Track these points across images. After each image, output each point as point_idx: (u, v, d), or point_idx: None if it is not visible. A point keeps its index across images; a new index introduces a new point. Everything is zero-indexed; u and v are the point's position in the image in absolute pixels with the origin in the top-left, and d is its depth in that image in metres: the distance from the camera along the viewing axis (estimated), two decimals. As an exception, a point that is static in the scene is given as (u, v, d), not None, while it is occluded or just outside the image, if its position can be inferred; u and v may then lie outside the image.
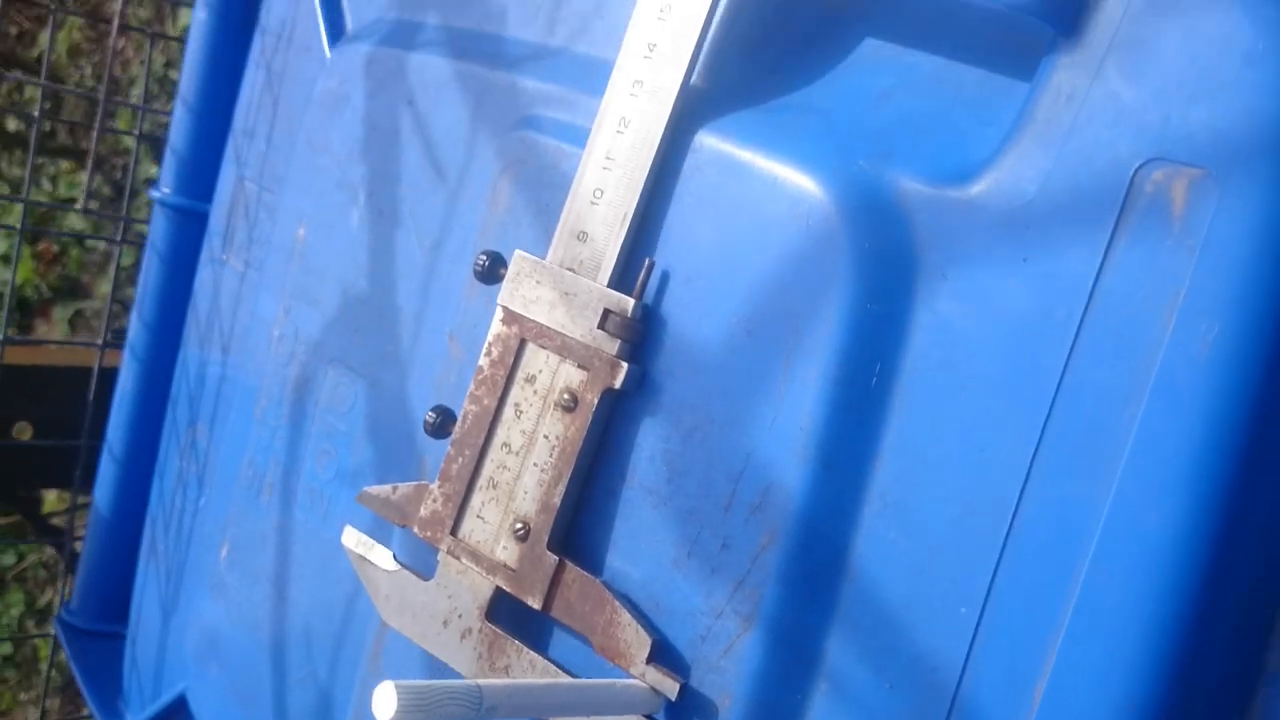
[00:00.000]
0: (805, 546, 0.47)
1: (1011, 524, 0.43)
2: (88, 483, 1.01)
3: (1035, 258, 0.43)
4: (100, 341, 1.04)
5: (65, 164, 2.49)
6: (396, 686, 0.38)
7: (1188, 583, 0.40)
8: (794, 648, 0.47)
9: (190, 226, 0.90)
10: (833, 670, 0.46)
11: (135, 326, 0.93)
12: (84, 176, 2.39)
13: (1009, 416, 0.43)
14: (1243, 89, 0.39)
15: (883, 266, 0.46)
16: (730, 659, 0.48)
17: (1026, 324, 0.43)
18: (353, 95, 0.67)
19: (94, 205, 2.15)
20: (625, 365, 0.51)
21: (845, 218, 0.46)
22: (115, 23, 0.98)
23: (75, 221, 2.40)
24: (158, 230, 0.92)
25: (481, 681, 0.42)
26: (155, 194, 0.91)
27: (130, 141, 1.84)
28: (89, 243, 2.35)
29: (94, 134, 1.01)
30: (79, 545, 1.02)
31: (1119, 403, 0.41)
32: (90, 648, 0.96)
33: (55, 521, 1.43)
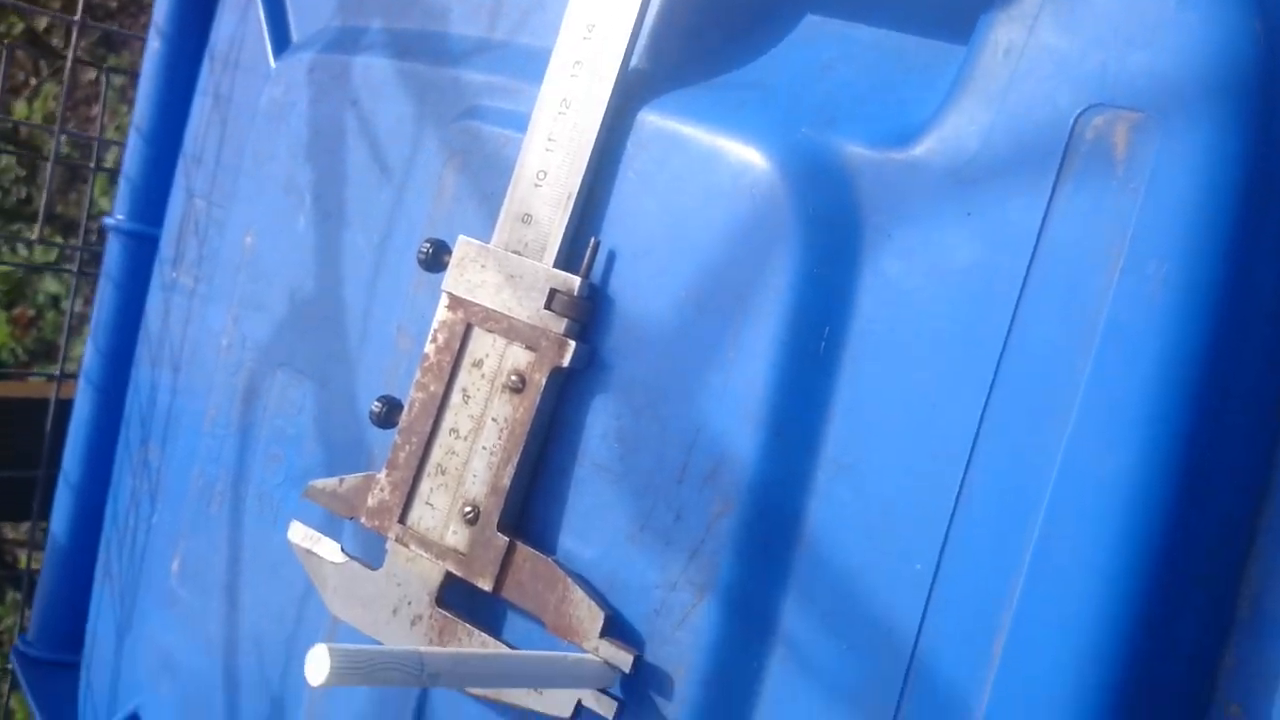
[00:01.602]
0: (759, 513, 0.44)
1: (964, 478, 0.40)
2: (46, 514, 0.96)
3: (979, 211, 0.40)
4: (57, 372, 1.00)
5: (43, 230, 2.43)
6: (330, 649, 0.34)
7: (1149, 526, 0.37)
8: (749, 615, 0.44)
9: (144, 252, 0.86)
10: (788, 636, 0.43)
11: (90, 354, 0.89)
12: (59, 239, 2.33)
13: (958, 371, 0.40)
14: (1177, 31, 0.37)
15: (828, 230, 0.43)
16: (685, 630, 0.45)
17: (972, 277, 0.40)
18: (298, 102, 0.63)
19: (49, 232, 2.09)
20: (573, 343, 0.47)
21: (789, 185, 0.44)
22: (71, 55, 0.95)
23: (50, 285, 2.34)
24: (112, 257, 0.87)
25: (423, 649, 0.38)
26: (109, 221, 0.88)
27: (105, 204, 1.79)
28: (64, 305, 2.28)
29: (51, 155, 0.97)
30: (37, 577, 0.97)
31: (1069, 349, 0.38)
32: (47, 678, 0.90)
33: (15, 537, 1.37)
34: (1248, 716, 0.40)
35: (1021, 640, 0.39)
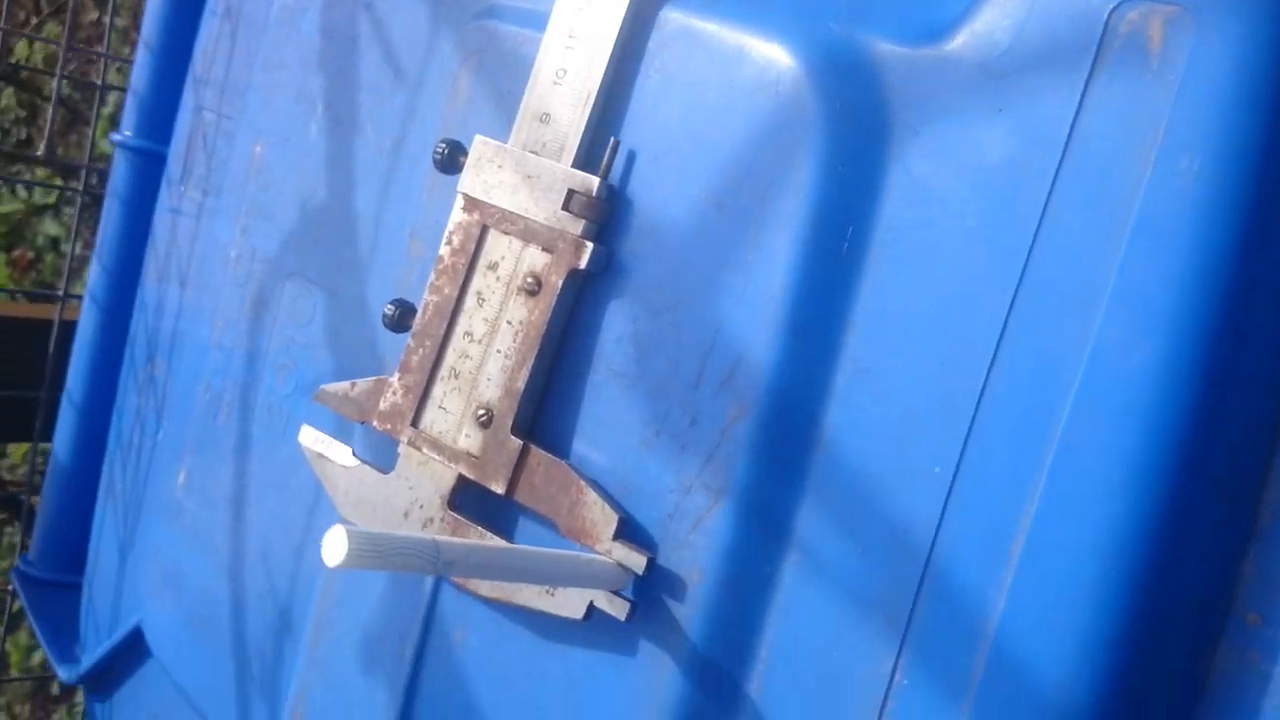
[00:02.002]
0: (775, 416, 0.44)
1: (987, 378, 0.40)
2: (49, 435, 0.96)
3: (1010, 107, 0.40)
4: (60, 293, 0.99)
5: (41, 172, 2.41)
6: (347, 530, 0.34)
7: (1173, 425, 0.37)
8: (764, 520, 0.44)
9: (151, 169, 0.85)
10: (803, 540, 0.43)
11: (95, 272, 0.89)
12: (59, 183, 2.31)
13: (985, 270, 0.40)
14: (1219, -79, 0.36)
15: (854, 129, 0.43)
16: (699, 534, 0.45)
17: (1002, 175, 0.40)
18: (310, 9, 0.63)
19: (49, 175, 2.08)
20: (590, 245, 0.47)
21: (815, 81, 0.43)
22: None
23: (50, 228, 2.32)
24: (118, 174, 0.87)
25: (439, 537, 0.38)
26: (116, 137, 0.87)
27: (106, 147, 1.77)
28: (64, 248, 2.27)
29: (56, 77, 0.96)
30: (37, 500, 0.97)
31: (1098, 245, 0.38)
32: (48, 598, 0.91)
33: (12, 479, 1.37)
34: (1267, 626, 0.39)
35: (1040, 543, 0.39)
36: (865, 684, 0.41)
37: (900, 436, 0.41)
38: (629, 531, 0.46)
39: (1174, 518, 0.38)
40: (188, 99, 0.77)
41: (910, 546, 0.41)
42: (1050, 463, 0.38)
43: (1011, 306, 0.39)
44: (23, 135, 2.66)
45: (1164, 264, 0.36)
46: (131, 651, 0.75)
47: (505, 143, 0.50)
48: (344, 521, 0.53)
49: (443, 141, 0.51)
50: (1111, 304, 0.37)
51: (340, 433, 0.55)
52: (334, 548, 0.35)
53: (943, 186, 0.41)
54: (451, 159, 0.51)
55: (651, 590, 0.45)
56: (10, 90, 2.55)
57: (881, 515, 0.41)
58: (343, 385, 0.53)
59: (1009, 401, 0.39)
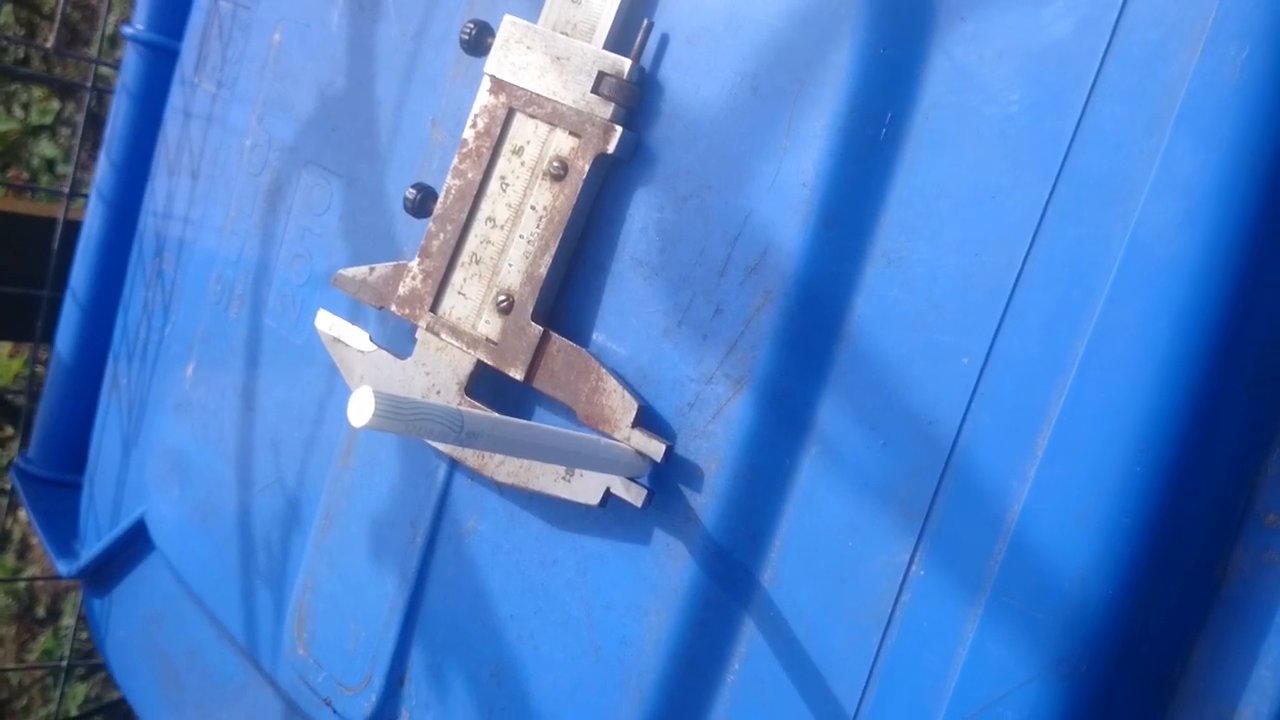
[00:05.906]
0: (802, 306, 0.44)
1: (1022, 269, 0.40)
2: (50, 335, 0.96)
3: (1058, -8, 0.39)
4: (66, 190, 0.99)
5: (38, 91, 2.39)
6: (375, 393, 0.34)
7: (1208, 319, 0.37)
8: (785, 410, 0.44)
9: (163, 64, 0.84)
10: (824, 431, 0.43)
11: (103, 168, 0.88)
12: (56, 104, 2.29)
13: (1025, 159, 0.40)
14: None
15: (898, 11, 0.42)
16: (719, 424, 0.45)
17: (1047, 61, 0.40)
18: (337, -110, 0.62)
19: (47, 94, 2.06)
20: (619, 129, 0.47)
21: (857, -36, 0.43)
22: None
23: (46, 148, 2.31)
24: (129, 68, 0.86)
25: (464, 409, 0.38)
26: (128, 30, 0.86)
27: (106, 71, 1.76)
28: (60, 171, 2.26)
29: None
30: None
31: (1142, 134, 0.38)
32: (47, 495, 0.91)
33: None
34: (1286, 530, 0.40)
35: (1067, 436, 0.39)
36: (881, 575, 0.42)
37: (929, 327, 0.41)
38: (648, 420, 0.46)
39: (1203, 414, 0.38)
40: (204, -12, 0.76)
41: (934, 438, 0.41)
42: (1081, 355, 0.38)
43: (1051, 195, 0.39)
44: (20, 54, 2.63)
45: (1207, 154, 0.36)
46: (133, 545, 0.76)
47: (535, 23, 0.49)
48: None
49: (470, 21, 0.50)
50: (1152, 194, 0.37)
51: (355, 321, 0.55)
52: (360, 408, 0.35)
53: (986, 72, 0.41)
54: (479, 40, 0.50)
55: (668, 479, 0.46)
56: (9, 8, 2.53)
57: (906, 406, 0.42)
58: (360, 270, 0.53)
59: (1043, 292, 0.39)
